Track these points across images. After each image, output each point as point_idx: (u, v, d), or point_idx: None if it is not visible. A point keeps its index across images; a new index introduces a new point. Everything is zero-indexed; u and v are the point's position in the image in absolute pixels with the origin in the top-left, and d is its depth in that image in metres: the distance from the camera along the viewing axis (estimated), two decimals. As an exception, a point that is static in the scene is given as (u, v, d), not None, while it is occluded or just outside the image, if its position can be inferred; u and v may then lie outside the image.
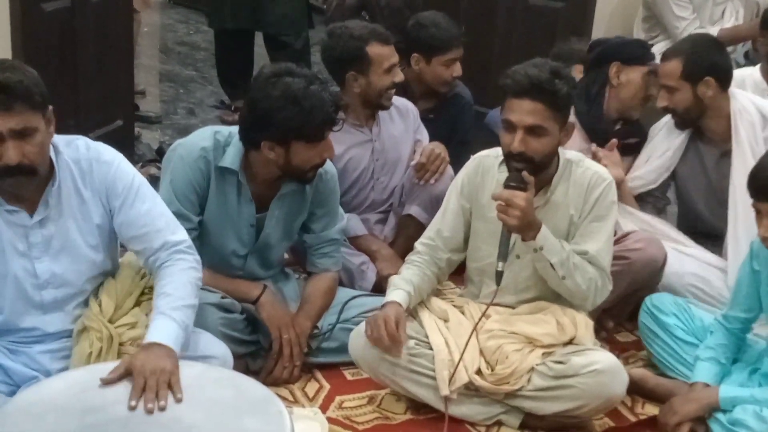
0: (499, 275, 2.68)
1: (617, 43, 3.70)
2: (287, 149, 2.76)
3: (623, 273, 3.15)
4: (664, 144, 3.54)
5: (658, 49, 4.94)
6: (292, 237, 3.11)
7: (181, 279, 2.42)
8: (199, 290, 2.49)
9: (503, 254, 2.68)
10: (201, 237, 2.92)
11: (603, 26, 4.88)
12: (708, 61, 3.38)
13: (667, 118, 3.57)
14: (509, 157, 2.71)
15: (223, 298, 2.84)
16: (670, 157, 3.53)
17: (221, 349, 2.50)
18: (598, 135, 3.55)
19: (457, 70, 3.88)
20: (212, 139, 2.88)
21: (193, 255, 2.52)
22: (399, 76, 3.54)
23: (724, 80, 3.40)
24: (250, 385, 2.19)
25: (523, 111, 2.65)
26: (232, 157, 2.85)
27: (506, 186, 2.67)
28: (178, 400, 2.07)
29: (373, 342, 2.70)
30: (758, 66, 4.20)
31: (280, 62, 2.89)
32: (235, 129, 2.88)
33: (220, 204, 2.90)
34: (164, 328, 2.29)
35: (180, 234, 2.53)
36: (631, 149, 3.61)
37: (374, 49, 3.47)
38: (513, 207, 2.62)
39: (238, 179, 2.88)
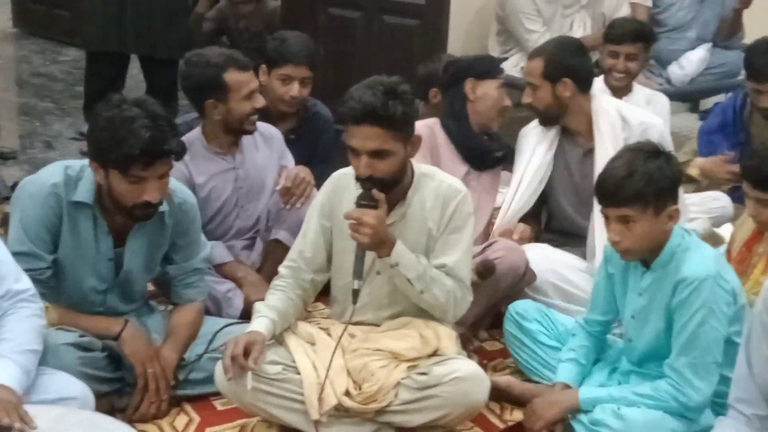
0: (355, 293, 2.69)
1: (469, 60, 3.79)
2: (106, 175, 2.71)
3: (487, 282, 3.22)
4: (537, 157, 3.66)
5: (513, 62, 5.13)
6: (154, 269, 3.06)
7: (24, 326, 2.39)
8: (43, 337, 2.44)
9: (358, 272, 2.70)
10: (57, 275, 2.84)
11: (459, 41, 5.00)
12: (567, 63, 3.55)
13: (533, 124, 3.72)
14: (359, 180, 2.74)
15: (81, 336, 2.76)
16: (548, 163, 3.66)
17: (80, 390, 2.44)
18: (471, 151, 3.63)
19: (294, 90, 3.85)
20: (63, 174, 2.81)
21: (37, 303, 2.48)
22: (260, 102, 3.50)
23: (582, 83, 3.57)
24: (112, 425, 2.17)
25: (364, 137, 2.67)
26: (85, 191, 2.79)
27: (357, 205, 2.70)
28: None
29: (225, 371, 2.66)
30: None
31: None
32: (86, 162, 2.83)
33: (75, 240, 2.82)
34: (5, 369, 2.25)
35: (23, 282, 2.48)
36: (498, 161, 3.72)
37: (232, 76, 3.43)
38: (364, 225, 2.65)
39: (93, 213, 2.82)
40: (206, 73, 3.44)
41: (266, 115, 3.80)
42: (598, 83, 4.18)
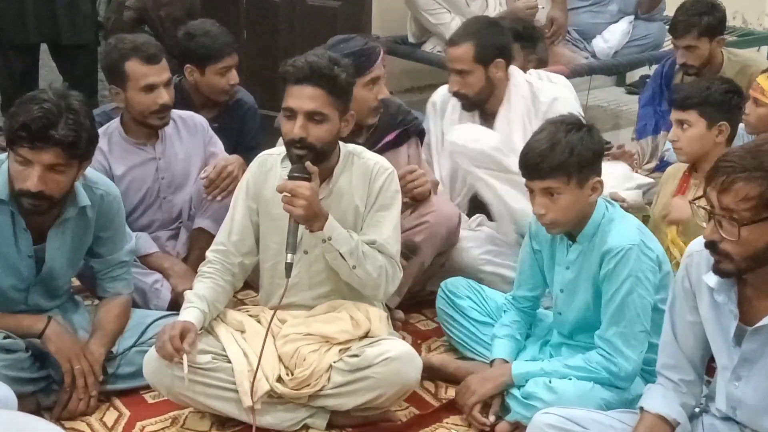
0: (288, 267, 2.66)
1: None
2: (8, 156, 2.68)
3: (427, 237, 3.29)
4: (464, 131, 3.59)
5: (429, 46, 5.16)
6: (78, 264, 2.99)
7: None
8: None
9: (292, 245, 2.67)
10: (-26, 274, 2.76)
11: (380, 22, 4.98)
12: (497, 43, 3.53)
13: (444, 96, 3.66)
14: (290, 145, 2.70)
15: (4, 338, 2.69)
16: None
17: (1, 391, 2.37)
18: None
19: (234, 77, 3.82)
20: (-24, 171, 2.72)
21: None
22: (162, 98, 3.36)
23: (510, 62, 3.57)
24: (36, 424, 2.12)
25: (304, 97, 2.66)
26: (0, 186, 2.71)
27: (290, 177, 2.67)
28: None
29: (159, 353, 2.64)
30: None
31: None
32: (2, 156, 2.75)
33: (-8, 238, 2.74)
34: None
35: None
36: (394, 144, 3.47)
37: (132, 66, 3.33)
38: (298, 197, 2.62)
39: (10, 209, 2.73)
40: (110, 57, 3.39)
41: (188, 105, 3.75)
42: None
